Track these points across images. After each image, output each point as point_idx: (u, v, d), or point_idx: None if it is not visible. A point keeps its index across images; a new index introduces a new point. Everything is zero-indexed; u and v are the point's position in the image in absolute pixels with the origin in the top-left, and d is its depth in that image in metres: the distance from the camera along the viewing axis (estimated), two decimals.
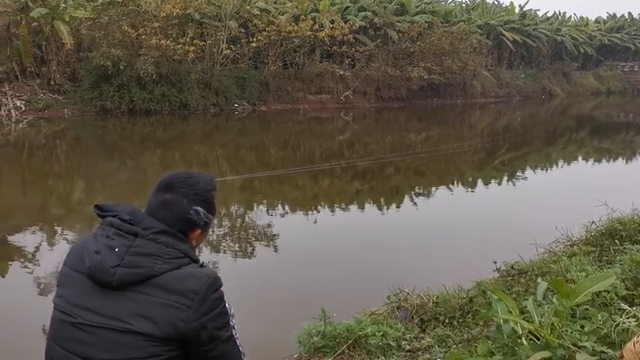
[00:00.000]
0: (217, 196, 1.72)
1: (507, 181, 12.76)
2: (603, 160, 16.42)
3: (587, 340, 1.99)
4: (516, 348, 2.16)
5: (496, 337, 2.33)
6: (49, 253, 7.11)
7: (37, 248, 7.27)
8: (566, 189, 11.42)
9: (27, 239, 7.65)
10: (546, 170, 14.49)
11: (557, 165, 15.53)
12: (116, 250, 1.48)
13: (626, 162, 16.38)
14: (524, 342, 2.14)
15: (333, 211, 9.70)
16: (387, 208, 10.00)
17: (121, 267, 1.46)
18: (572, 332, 2.09)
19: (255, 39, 24.02)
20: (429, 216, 9.33)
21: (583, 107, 35.25)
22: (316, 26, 25.67)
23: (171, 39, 21.79)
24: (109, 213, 1.59)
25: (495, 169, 14.44)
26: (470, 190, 11.82)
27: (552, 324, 2.01)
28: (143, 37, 21.23)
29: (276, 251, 7.26)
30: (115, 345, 1.44)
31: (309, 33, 25.16)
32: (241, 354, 1.68)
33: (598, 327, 2.13)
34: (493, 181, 12.64)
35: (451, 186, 11.92)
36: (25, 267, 6.73)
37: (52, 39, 21.67)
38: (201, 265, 1.58)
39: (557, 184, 12.31)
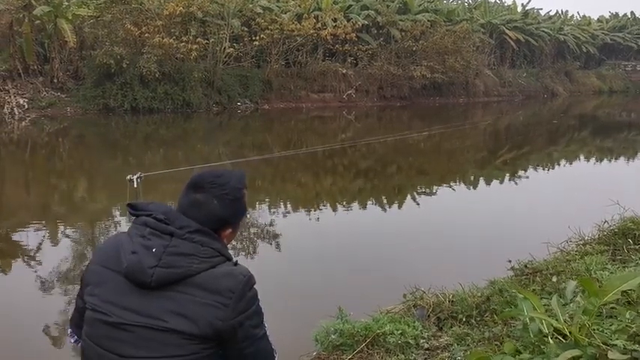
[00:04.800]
0: (247, 193, 1.70)
1: (517, 180, 12.71)
2: (610, 160, 16.36)
3: (617, 339, 1.98)
4: (543, 347, 2.14)
5: (521, 336, 2.32)
6: (51, 250, 7.11)
7: (40, 245, 7.26)
8: (575, 188, 11.35)
9: (29, 236, 7.63)
10: (548, 170, 14.42)
11: (562, 164, 15.49)
12: (153, 250, 1.46)
13: (629, 161, 16.32)
14: (551, 341, 2.13)
15: (348, 210, 9.62)
16: (400, 208, 9.91)
17: (159, 267, 1.44)
18: (602, 331, 2.08)
19: (257, 37, 24.00)
20: (439, 215, 9.26)
21: (585, 106, 35.21)
22: (319, 25, 25.67)
23: (174, 37, 21.76)
24: (142, 212, 1.57)
25: (499, 168, 14.41)
26: (475, 189, 11.79)
27: (582, 322, 2.00)
28: (146, 35, 21.25)
29: (290, 250, 7.22)
30: (155, 343, 1.42)
31: (311, 31, 25.14)
32: (273, 351, 1.68)
33: (627, 325, 2.12)
34: (499, 180, 12.61)
35: (462, 185, 11.90)
36: (28, 264, 6.71)
37: (55, 37, 21.65)
38: (235, 264, 1.57)
39: (565, 183, 12.24)
